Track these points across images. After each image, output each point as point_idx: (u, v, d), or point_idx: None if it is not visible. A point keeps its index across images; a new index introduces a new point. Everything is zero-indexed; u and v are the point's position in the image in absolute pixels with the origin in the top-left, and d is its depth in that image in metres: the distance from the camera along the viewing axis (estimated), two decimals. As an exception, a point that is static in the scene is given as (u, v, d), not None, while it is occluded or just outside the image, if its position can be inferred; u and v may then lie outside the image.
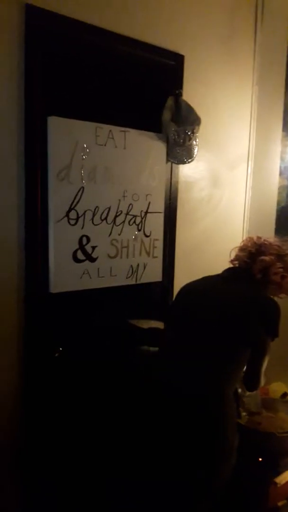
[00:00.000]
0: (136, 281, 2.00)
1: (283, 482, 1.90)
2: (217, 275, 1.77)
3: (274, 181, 2.47)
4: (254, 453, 1.94)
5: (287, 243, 1.79)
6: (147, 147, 1.96)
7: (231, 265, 1.80)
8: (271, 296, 1.72)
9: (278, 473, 1.91)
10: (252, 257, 1.72)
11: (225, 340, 1.56)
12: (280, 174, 2.43)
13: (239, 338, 1.56)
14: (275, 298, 1.71)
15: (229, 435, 1.56)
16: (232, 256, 1.80)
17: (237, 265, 1.78)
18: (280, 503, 1.92)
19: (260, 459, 1.93)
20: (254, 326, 1.56)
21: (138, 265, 2.00)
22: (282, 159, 2.42)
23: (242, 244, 1.82)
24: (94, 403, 1.92)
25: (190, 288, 1.78)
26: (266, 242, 1.77)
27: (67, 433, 1.86)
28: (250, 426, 2.01)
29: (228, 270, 1.78)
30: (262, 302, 1.61)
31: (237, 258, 1.78)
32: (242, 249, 1.79)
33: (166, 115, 2.01)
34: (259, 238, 1.80)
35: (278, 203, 2.44)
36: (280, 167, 2.43)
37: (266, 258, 1.69)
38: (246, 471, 1.91)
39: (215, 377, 1.55)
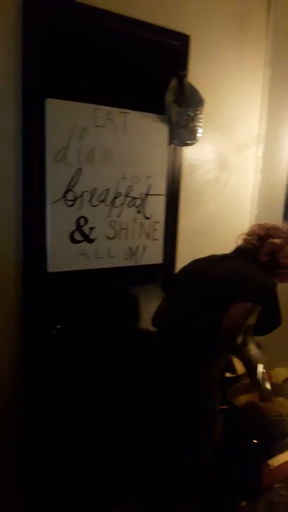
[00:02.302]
0: (135, 263, 2.03)
1: (276, 464, 1.90)
2: (224, 254, 1.77)
3: (284, 165, 2.42)
4: (249, 436, 1.96)
5: None
6: (148, 128, 1.97)
7: None
8: (280, 282, 1.70)
9: (272, 455, 1.92)
10: (261, 239, 1.70)
11: (210, 312, 1.56)
12: (291, 160, 2.38)
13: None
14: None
15: (207, 405, 1.60)
16: (239, 242, 1.78)
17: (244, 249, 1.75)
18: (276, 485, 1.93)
19: (255, 441, 1.95)
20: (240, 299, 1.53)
21: (137, 247, 2.02)
22: (293, 142, 2.36)
23: (249, 229, 1.80)
24: (92, 381, 1.98)
25: (193, 264, 1.80)
26: (275, 227, 1.75)
27: (66, 412, 1.93)
28: (246, 409, 2.02)
29: (235, 251, 1.77)
30: (258, 278, 1.59)
31: (245, 241, 1.76)
32: (250, 233, 1.77)
33: (169, 96, 2.00)
34: (267, 223, 1.78)
35: (287, 187, 2.39)
36: (291, 149, 2.37)
37: (277, 240, 1.66)
38: (241, 453, 1.93)
39: (196, 350, 1.57)
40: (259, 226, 1.77)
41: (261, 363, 1.80)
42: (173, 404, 1.58)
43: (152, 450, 1.66)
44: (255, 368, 1.89)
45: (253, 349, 1.68)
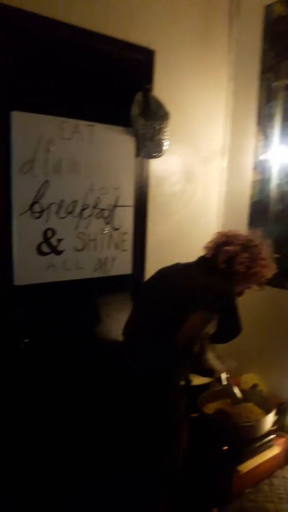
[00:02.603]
0: (104, 274, 2.04)
1: (246, 470, 1.93)
2: (187, 263, 1.79)
3: (248, 176, 2.49)
4: (219, 443, 1.98)
5: (257, 235, 1.80)
6: (115, 141, 1.99)
7: None
8: (240, 289, 1.74)
9: (241, 461, 1.95)
10: (217, 248, 1.73)
11: (170, 323, 1.56)
12: (254, 168, 2.45)
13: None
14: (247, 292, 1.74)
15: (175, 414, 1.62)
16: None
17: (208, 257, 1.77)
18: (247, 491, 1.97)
19: (225, 448, 1.98)
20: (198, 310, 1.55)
21: (106, 258, 2.03)
22: (255, 154, 2.44)
23: (212, 237, 1.84)
24: (60, 394, 1.96)
25: (158, 274, 1.80)
26: (234, 234, 1.77)
27: (34, 425, 1.90)
28: (216, 417, 2.05)
29: (199, 259, 1.79)
30: (216, 287, 1.61)
31: (206, 249, 1.78)
32: (210, 241, 1.81)
33: (135, 110, 2.04)
34: (229, 231, 1.81)
35: (252, 197, 2.46)
36: (254, 161, 2.45)
37: (230, 248, 1.69)
38: (211, 460, 1.96)
39: (161, 361, 1.58)
40: (220, 234, 1.80)
41: (221, 371, 1.83)
42: (140, 414, 1.58)
43: (120, 461, 1.65)
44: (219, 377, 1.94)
45: (212, 359, 1.69)
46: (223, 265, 1.69)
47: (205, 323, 1.53)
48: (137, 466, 1.61)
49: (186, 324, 1.51)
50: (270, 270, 1.74)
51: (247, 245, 1.71)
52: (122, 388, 1.64)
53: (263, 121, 2.39)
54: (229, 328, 1.64)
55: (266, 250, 1.74)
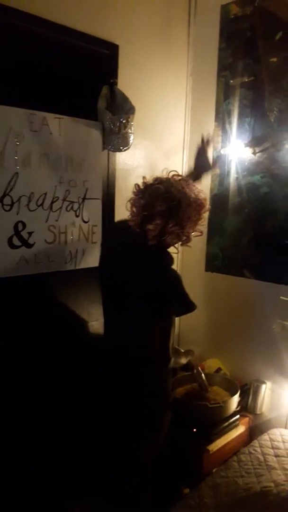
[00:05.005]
0: (75, 267, 2.05)
1: (215, 449, 2.04)
2: (127, 239, 1.63)
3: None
4: (189, 424, 2.07)
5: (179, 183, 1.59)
6: (83, 134, 2.00)
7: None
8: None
9: (211, 441, 2.05)
10: (142, 227, 1.56)
11: (135, 319, 1.59)
12: (213, 163, 2.55)
13: (144, 317, 1.58)
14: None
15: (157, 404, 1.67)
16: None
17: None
18: (214, 470, 2.07)
19: (195, 430, 2.07)
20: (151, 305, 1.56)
21: (77, 250, 2.04)
22: (214, 148, 2.53)
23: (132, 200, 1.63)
24: (35, 389, 1.96)
25: (106, 260, 1.74)
26: (151, 196, 1.54)
27: (10, 418, 1.89)
28: (185, 400, 2.14)
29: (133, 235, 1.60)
30: (161, 282, 1.57)
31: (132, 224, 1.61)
32: (132, 218, 1.61)
33: (101, 103, 2.05)
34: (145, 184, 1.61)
35: (211, 190, 2.56)
36: (213, 156, 2.54)
37: (151, 227, 1.53)
38: (182, 441, 2.04)
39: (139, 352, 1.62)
40: (138, 201, 1.60)
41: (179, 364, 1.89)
42: (128, 400, 1.63)
43: (107, 448, 1.69)
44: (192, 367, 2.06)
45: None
46: (154, 241, 1.55)
47: (169, 327, 1.58)
48: (120, 452, 1.65)
49: (155, 335, 1.55)
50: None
51: (171, 208, 1.52)
52: (106, 377, 1.67)
53: (222, 117, 2.49)
54: (183, 307, 1.64)
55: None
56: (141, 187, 1.60)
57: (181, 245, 1.65)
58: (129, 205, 1.62)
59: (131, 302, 1.59)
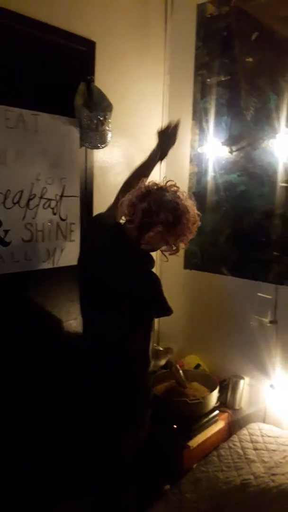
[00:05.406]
0: (53, 265, 2.02)
1: (195, 445, 2.06)
2: (110, 237, 1.64)
3: (185, 168, 2.60)
4: (169, 421, 2.08)
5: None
6: (60, 131, 1.98)
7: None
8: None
9: (191, 437, 2.06)
10: (140, 231, 1.56)
11: (116, 321, 1.58)
12: (191, 161, 2.57)
13: (125, 320, 1.58)
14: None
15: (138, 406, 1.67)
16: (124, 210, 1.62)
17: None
18: (194, 465, 2.09)
19: (175, 426, 2.08)
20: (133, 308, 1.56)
21: (55, 248, 2.02)
22: (192, 146, 2.55)
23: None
24: (18, 387, 1.93)
25: (86, 259, 1.72)
26: (156, 203, 1.54)
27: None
28: (165, 396, 2.15)
29: (118, 234, 1.63)
30: (143, 286, 1.58)
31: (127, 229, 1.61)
32: (129, 220, 1.60)
33: (78, 100, 2.04)
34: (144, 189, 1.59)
35: (189, 189, 2.57)
36: (191, 154, 2.56)
37: (152, 234, 1.53)
38: (163, 438, 2.05)
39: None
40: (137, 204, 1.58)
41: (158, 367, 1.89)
42: (109, 398, 1.62)
43: (88, 447, 1.68)
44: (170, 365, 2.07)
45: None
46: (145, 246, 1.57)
47: (149, 328, 1.58)
48: (101, 450, 1.64)
49: (135, 339, 1.55)
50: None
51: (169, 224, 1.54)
52: (88, 376, 1.66)
53: (199, 115, 2.51)
54: (160, 310, 1.64)
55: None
56: (143, 191, 1.57)
57: (169, 254, 1.66)
58: (125, 206, 1.59)
59: (112, 302, 1.58)
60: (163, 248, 1.62)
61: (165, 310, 1.62)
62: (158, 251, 1.69)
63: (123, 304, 1.55)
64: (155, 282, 1.59)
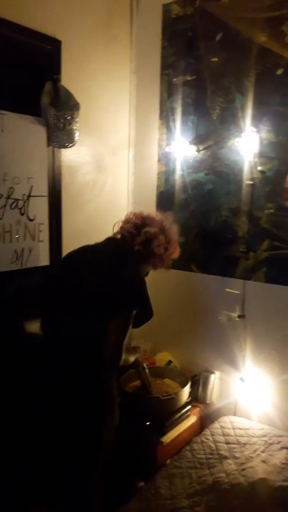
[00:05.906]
0: (21, 266, 2.00)
1: (168, 441, 2.08)
2: (96, 246, 1.75)
3: (153, 167, 2.62)
4: (141, 418, 2.10)
5: (168, 219, 1.81)
6: (26, 130, 1.96)
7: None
8: (149, 270, 1.80)
9: (164, 433, 2.09)
10: (137, 228, 1.71)
11: (92, 335, 1.60)
12: (159, 160, 2.59)
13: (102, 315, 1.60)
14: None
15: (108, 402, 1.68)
16: (116, 229, 1.79)
17: (119, 237, 1.76)
18: (168, 461, 2.11)
19: (148, 423, 2.10)
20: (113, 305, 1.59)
21: (23, 249, 1.99)
22: (160, 146, 2.57)
23: (126, 217, 1.81)
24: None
25: (66, 264, 1.79)
26: (151, 216, 1.78)
27: None
28: (137, 394, 2.16)
29: (108, 240, 1.77)
30: (128, 284, 1.63)
31: (121, 230, 1.76)
32: (126, 221, 1.77)
33: (45, 99, 2.02)
34: (142, 212, 1.81)
35: (158, 187, 2.60)
36: (159, 153, 2.58)
37: (151, 230, 1.69)
38: (135, 435, 2.06)
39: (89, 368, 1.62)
40: (135, 214, 1.78)
41: (128, 363, 1.88)
42: (76, 395, 1.62)
43: (58, 448, 1.67)
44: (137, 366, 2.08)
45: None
46: (139, 246, 1.69)
47: (126, 326, 1.60)
48: (71, 444, 1.64)
49: (110, 333, 1.56)
50: (178, 252, 1.83)
51: (163, 228, 1.74)
52: (54, 374, 1.65)
53: (166, 114, 2.54)
54: (143, 315, 1.71)
55: (176, 233, 1.81)
56: (132, 230, 1.73)
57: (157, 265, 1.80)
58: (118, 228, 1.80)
59: (94, 298, 1.60)
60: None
61: (149, 313, 1.69)
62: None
63: (108, 299, 1.59)
64: (141, 281, 1.66)
